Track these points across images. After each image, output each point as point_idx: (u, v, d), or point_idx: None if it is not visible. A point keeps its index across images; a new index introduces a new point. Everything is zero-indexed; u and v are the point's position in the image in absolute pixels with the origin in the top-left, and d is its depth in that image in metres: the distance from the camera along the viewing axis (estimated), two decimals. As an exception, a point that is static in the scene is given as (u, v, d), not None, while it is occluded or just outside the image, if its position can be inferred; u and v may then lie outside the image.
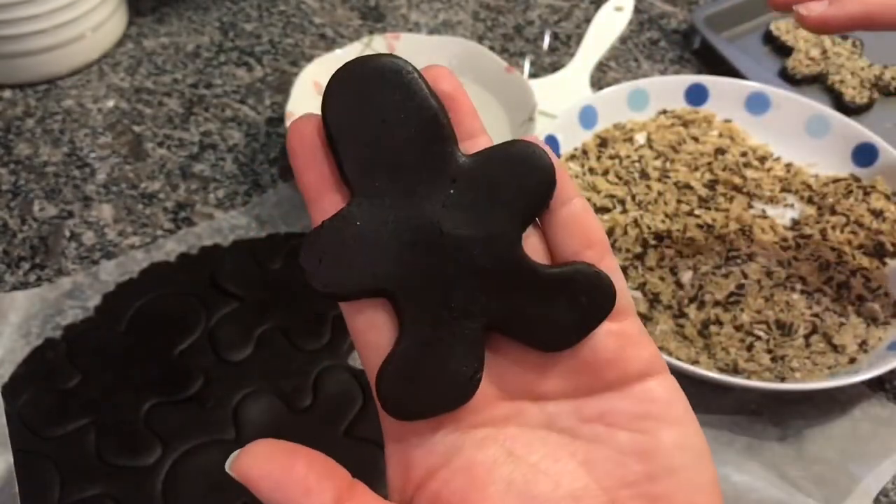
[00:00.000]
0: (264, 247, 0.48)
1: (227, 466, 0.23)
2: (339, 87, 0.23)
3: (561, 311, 0.23)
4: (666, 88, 0.55)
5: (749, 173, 0.52)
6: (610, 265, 0.24)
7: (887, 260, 0.48)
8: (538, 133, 0.51)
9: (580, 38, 0.64)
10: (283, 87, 0.60)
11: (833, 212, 0.50)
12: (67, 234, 0.50)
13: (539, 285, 0.24)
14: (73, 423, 0.41)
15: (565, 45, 0.64)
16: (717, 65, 0.61)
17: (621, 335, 0.24)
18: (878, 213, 0.49)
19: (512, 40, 0.65)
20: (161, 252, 0.49)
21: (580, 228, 0.24)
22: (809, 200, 0.51)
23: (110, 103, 0.58)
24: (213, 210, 0.52)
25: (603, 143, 0.53)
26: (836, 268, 0.47)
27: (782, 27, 0.64)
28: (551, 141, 0.51)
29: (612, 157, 0.52)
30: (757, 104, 0.54)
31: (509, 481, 0.23)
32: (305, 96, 0.54)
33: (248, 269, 0.47)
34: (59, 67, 0.59)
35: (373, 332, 0.23)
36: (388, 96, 0.23)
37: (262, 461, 0.23)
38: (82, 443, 0.40)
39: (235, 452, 0.23)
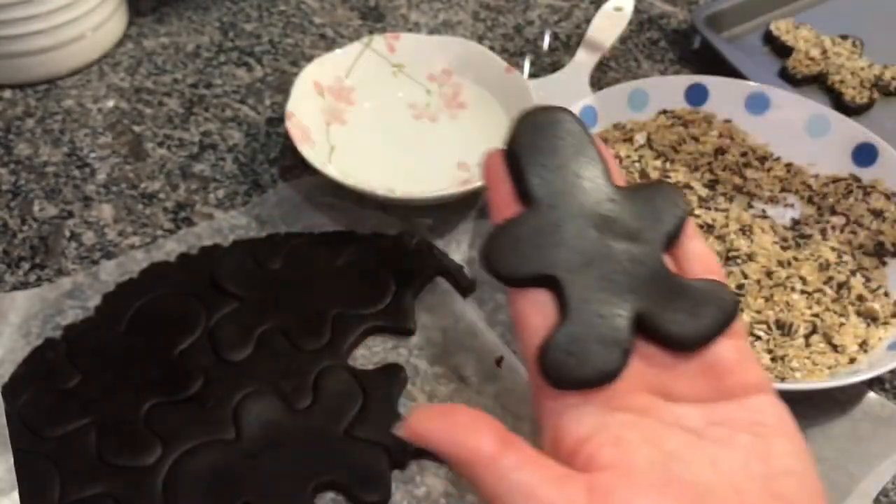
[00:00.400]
0: (264, 247, 0.48)
1: (396, 430, 0.27)
2: (523, 127, 0.30)
3: (698, 312, 0.28)
4: (666, 88, 0.55)
5: (749, 173, 0.52)
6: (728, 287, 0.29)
7: (887, 260, 0.48)
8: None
9: (580, 38, 0.64)
10: (283, 87, 0.60)
11: (833, 212, 0.50)
12: (67, 234, 0.50)
13: (679, 291, 0.28)
14: (73, 422, 0.41)
15: (565, 46, 0.64)
16: (717, 65, 0.61)
17: (739, 349, 0.28)
18: (878, 213, 0.49)
19: (512, 40, 0.65)
20: (161, 252, 0.49)
21: (703, 259, 0.30)
22: (809, 200, 0.51)
23: (110, 103, 0.59)
24: (214, 210, 0.52)
25: (603, 142, 0.53)
26: (837, 268, 0.47)
27: (782, 27, 0.64)
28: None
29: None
30: (757, 104, 0.54)
31: (651, 460, 0.25)
32: (305, 96, 0.54)
33: (248, 269, 0.47)
34: (59, 67, 0.59)
35: (536, 315, 0.28)
36: (560, 136, 0.30)
37: (427, 419, 0.27)
38: (82, 443, 0.40)
39: (401, 421, 0.27)
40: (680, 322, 0.28)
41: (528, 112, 0.30)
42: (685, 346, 0.28)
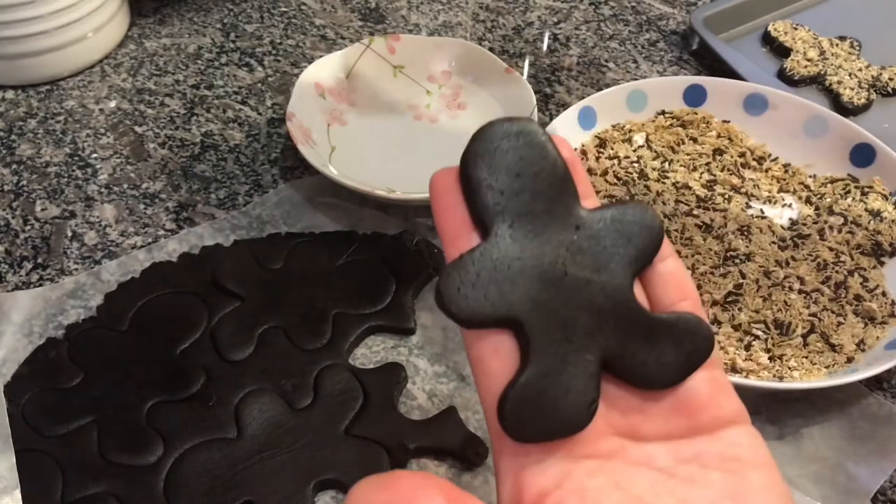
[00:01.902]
0: (265, 247, 0.49)
1: None
2: (481, 143, 0.26)
3: (666, 352, 0.26)
4: (664, 89, 0.55)
5: (747, 174, 0.52)
6: (703, 317, 0.27)
7: (885, 259, 0.48)
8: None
9: (580, 38, 0.64)
10: (284, 88, 0.60)
11: (831, 212, 0.50)
12: (69, 233, 0.51)
13: (649, 328, 0.26)
14: (76, 421, 0.41)
15: (564, 47, 0.65)
16: (716, 66, 0.61)
17: (713, 382, 0.27)
18: (875, 213, 0.49)
19: (511, 41, 0.65)
20: (163, 252, 0.49)
21: (676, 282, 0.27)
22: (807, 200, 0.51)
23: (112, 104, 0.59)
24: (215, 210, 0.52)
25: (602, 143, 0.53)
26: (834, 267, 0.47)
27: (780, 28, 0.64)
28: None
29: (610, 158, 0.52)
30: (755, 105, 0.54)
31: None
32: (306, 97, 0.54)
33: (249, 268, 0.47)
34: (62, 68, 0.60)
35: (496, 360, 0.26)
36: (523, 153, 0.26)
37: (367, 493, 0.24)
38: (84, 441, 0.40)
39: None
40: (650, 363, 0.26)
41: (486, 125, 0.26)
42: (655, 387, 0.26)
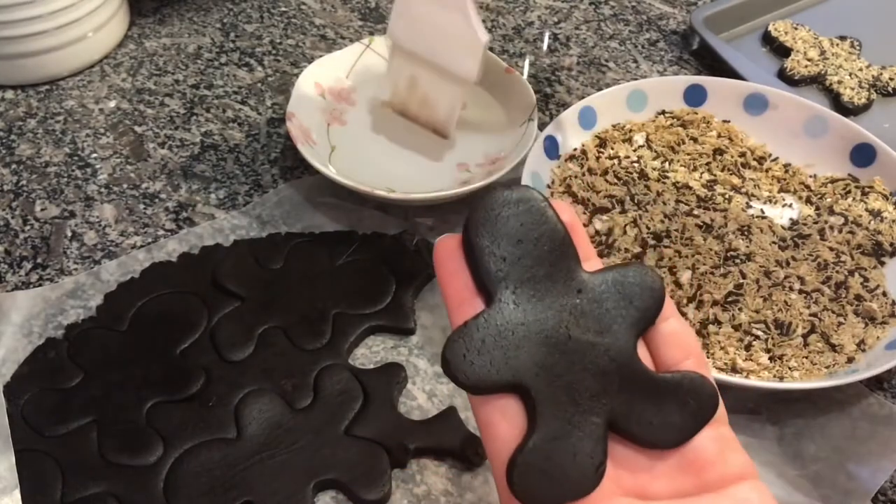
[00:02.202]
0: (265, 247, 0.49)
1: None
2: (482, 212, 0.27)
3: (672, 412, 0.27)
4: (665, 89, 0.55)
5: (747, 173, 0.52)
6: (707, 375, 0.27)
7: (885, 259, 0.48)
8: (538, 134, 0.51)
9: (580, 38, 0.64)
10: (283, 88, 0.60)
11: (831, 212, 0.50)
12: (69, 233, 0.50)
13: (653, 388, 0.27)
14: (75, 421, 0.41)
15: (564, 46, 0.64)
16: (716, 65, 0.61)
17: (720, 439, 0.27)
18: (876, 213, 0.49)
19: (511, 41, 0.65)
20: (162, 252, 0.49)
21: (679, 342, 0.28)
22: (808, 200, 0.51)
23: (112, 104, 0.59)
24: (215, 210, 0.52)
25: (602, 143, 0.53)
26: (835, 267, 0.47)
27: (781, 28, 0.64)
28: (550, 141, 0.51)
29: (611, 158, 0.52)
30: (755, 105, 0.54)
31: None
32: (306, 97, 0.54)
33: (249, 268, 0.47)
34: (61, 68, 0.60)
35: (503, 425, 0.26)
36: (523, 220, 0.27)
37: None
38: (84, 441, 0.40)
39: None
40: (656, 423, 0.26)
41: (487, 194, 0.27)
42: (662, 447, 0.27)
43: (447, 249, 0.28)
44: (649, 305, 0.27)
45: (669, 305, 0.28)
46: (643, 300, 0.27)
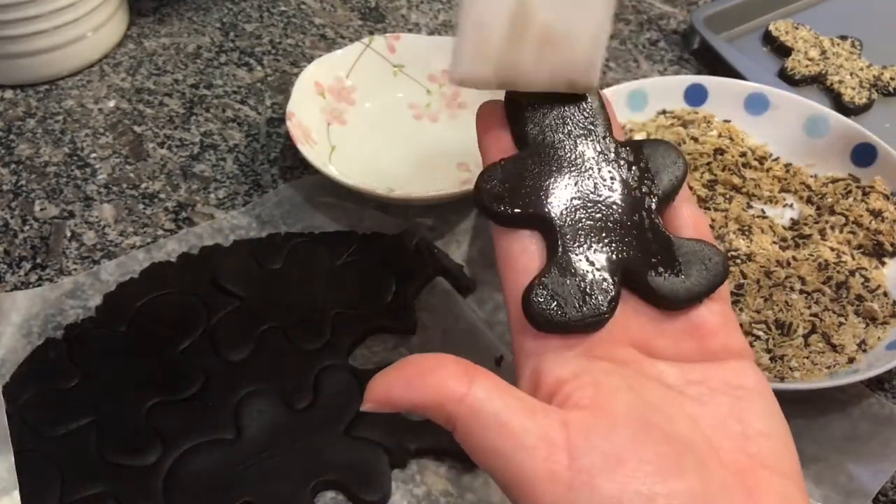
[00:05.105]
0: (265, 247, 0.48)
1: (363, 408, 0.25)
2: None
3: (685, 271, 0.28)
4: (665, 89, 0.55)
5: (748, 173, 0.52)
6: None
7: (886, 260, 0.48)
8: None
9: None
10: (283, 88, 0.60)
11: (832, 212, 0.50)
12: (68, 233, 0.50)
13: (669, 248, 0.28)
14: (74, 422, 0.41)
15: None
16: (717, 65, 0.61)
17: (724, 315, 0.28)
18: (876, 213, 0.49)
19: (512, 41, 0.65)
20: (162, 252, 0.49)
21: (695, 221, 0.30)
22: (808, 200, 0.51)
23: (111, 103, 0.59)
24: (214, 210, 0.52)
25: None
26: (835, 268, 0.47)
27: (781, 28, 0.64)
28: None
29: (611, 158, 0.52)
30: (756, 104, 0.54)
31: (631, 405, 0.25)
32: (306, 96, 0.54)
33: (248, 268, 0.47)
34: (60, 68, 0.59)
35: (524, 257, 0.28)
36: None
37: (384, 378, 0.25)
38: (83, 442, 0.40)
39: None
40: (667, 279, 0.27)
41: None
42: (671, 304, 0.28)
43: (491, 111, 0.30)
44: (673, 180, 0.29)
45: (688, 192, 0.30)
46: (668, 174, 0.29)
